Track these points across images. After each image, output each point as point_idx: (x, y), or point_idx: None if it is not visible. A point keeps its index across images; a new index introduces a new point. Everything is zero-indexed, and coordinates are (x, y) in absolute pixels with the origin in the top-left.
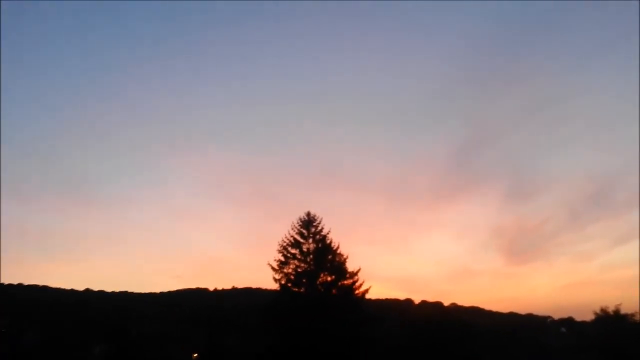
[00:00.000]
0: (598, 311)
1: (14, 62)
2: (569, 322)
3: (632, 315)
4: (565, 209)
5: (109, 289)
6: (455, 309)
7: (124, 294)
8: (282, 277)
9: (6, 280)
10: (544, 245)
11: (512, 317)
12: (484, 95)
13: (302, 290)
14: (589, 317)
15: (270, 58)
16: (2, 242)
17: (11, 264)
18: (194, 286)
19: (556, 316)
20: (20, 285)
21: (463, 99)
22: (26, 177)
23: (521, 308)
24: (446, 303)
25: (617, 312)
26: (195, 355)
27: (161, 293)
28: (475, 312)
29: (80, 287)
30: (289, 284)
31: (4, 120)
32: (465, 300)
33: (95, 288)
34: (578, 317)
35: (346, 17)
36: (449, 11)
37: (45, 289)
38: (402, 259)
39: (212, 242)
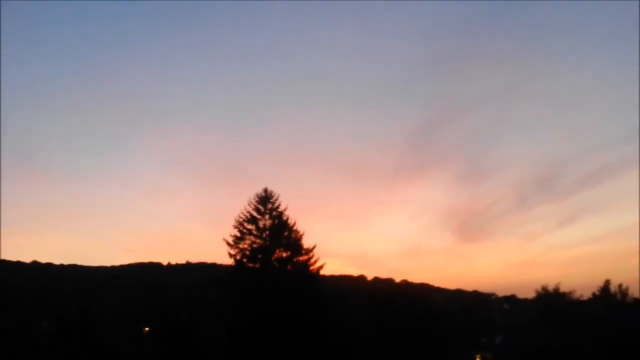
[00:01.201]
0: (539, 289)
1: None
2: (512, 299)
3: (570, 292)
4: (513, 191)
5: (57, 262)
6: (405, 285)
7: (73, 267)
8: (237, 253)
9: None
10: (492, 225)
11: (459, 293)
12: (445, 78)
13: (257, 265)
14: (530, 294)
15: (237, 38)
16: None
17: None
18: (145, 260)
19: (500, 294)
20: None
21: (424, 81)
22: None
23: (468, 285)
24: (397, 279)
25: (556, 290)
26: (147, 329)
27: (112, 267)
28: (424, 289)
29: (27, 259)
30: (244, 260)
31: None
32: (415, 277)
33: (43, 260)
34: (521, 295)
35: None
36: None
37: None
38: (358, 236)
39: (167, 218)
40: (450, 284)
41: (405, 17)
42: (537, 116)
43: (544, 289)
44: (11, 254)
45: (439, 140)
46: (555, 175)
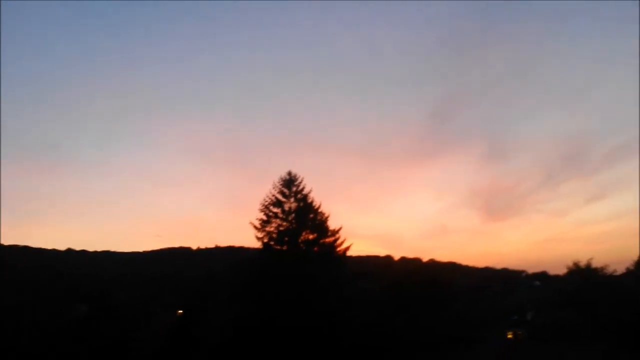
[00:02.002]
0: (571, 265)
1: None
2: (543, 276)
3: (602, 268)
4: (539, 168)
5: (90, 249)
6: (433, 264)
7: (106, 254)
8: (264, 236)
9: None
10: (519, 203)
11: (488, 271)
12: (461, 58)
13: (284, 248)
14: (562, 271)
15: (247, 24)
16: None
17: None
18: (176, 245)
19: (530, 271)
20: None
21: (440, 62)
22: (4, 140)
23: (497, 263)
24: (425, 259)
25: (588, 266)
26: (180, 312)
27: (144, 252)
28: (452, 268)
29: (62, 247)
30: (272, 242)
31: None
32: (443, 257)
33: (77, 248)
34: (552, 272)
35: None
36: None
37: (25, 249)
38: (382, 217)
39: (194, 204)
40: (479, 263)
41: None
42: (561, 93)
43: (576, 264)
44: (46, 242)
45: (459, 120)
46: (582, 152)
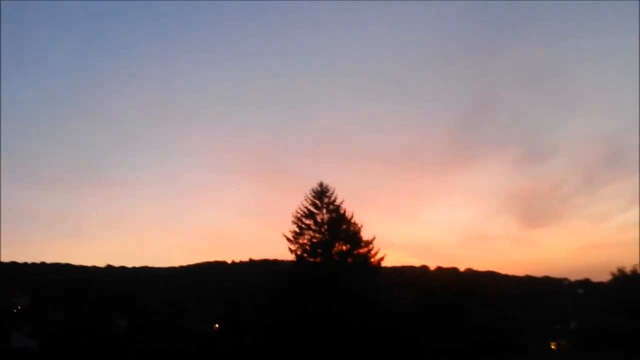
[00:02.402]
0: (615, 272)
1: (20, 43)
2: (585, 283)
3: None
4: (578, 171)
5: (129, 265)
6: (471, 273)
7: (144, 269)
8: (297, 248)
9: (30, 259)
10: (558, 208)
11: (529, 280)
12: (491, 60)
13: (318, 260)
14: (606, 277)
15: (277, 33)
16: (23, 224)
17: (33, 244)
18: (210, 260)
19: (573, 278)
20: (43, 264)
21: (469, 65)
22: (42, 160)
23: (537, 271)
24: (462, 268)
25: (634, 272)
26: (217, 326)
27: (180, 267)
28: (491, 276)
29: (102, 264)
30: (305, 254)
31: (19, 107)
32: (480, 265)
33: (116, 264)
34: (595, 279)
35: None
36: None
37: (68, 266)
38: (415, 226)
39: (226, 217)
40: (519, 271)
41: (450, 2)
42: (598, 92)
43: (621, 271)
44: (86, 259)
45: (491, 123)
46: (623, 152)
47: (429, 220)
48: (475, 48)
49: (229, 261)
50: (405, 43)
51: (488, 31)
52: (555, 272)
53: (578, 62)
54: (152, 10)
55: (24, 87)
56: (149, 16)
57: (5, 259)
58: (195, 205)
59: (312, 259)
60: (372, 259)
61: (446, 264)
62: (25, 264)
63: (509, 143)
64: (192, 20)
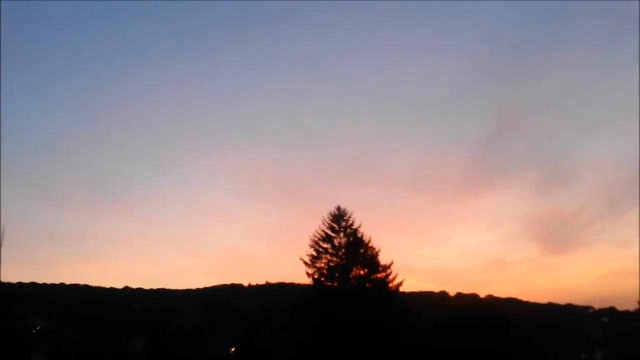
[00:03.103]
0: None
1: (40, 67)
2: (611, 311)
3: None
4: (601, 195)
5: (146, 287)
6: (491, 300)
7: (162, 291)
8: (314, 272)
9: (49, 280)
10: (581, 233)
11: (551, 307)
12: (510, 83)
13: (335, 284)
14: (632, 306)
15: (295, 55)
16: (43, 245)
17: (51, 265)
18: (228, 282)
19: (597, 306)
20: (61, 285)
21: (490, 88)
22: (60, 180)
23: (560, 298)
24: (482, 295)
25: None
26: (233, 349)
27: (197, 289)
28: (512, 303)
29: (119, 285)
30: (322, 278)
31: (39, 128)
32: (501, 292)
33: (134, 286)
34: (620, 307)
35: (368, 11)
36: (472, 1)
37: (86, 287)
38: (434, 251)
39: (242, 239)
40: (540, 298)
41: (465, 21)
42: (617, 114)
43: None
44: (104, 281)
45: (509, 147)
46: None
47: (448, 245)
48: (496, 71)
49: (246, 284)
50: (425, 66)
51: (509, 54)
52: (578, 300)
53: (601, 85)
54: (174, 32)
55: (43, 106)
56: (171, 37)
57: (25, 279)
58: (213, 227)
59: (329, 283)
60: (390, 284)
61: (466, 289)
62: (45, 284)
63: (530, 167)
64: (213, 42)
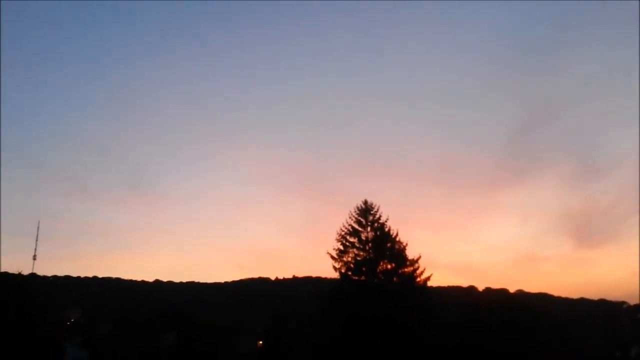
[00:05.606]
0: None
1: (76, 62)
2: None
3: None
4: (635, 187)
5: (177, 280)
6: (521, 295)
7: (192, 284)
8: (342, 266)
9: (82, 273)
10: (615, 227)
11: (583, 303)
12: (541, 72)
13: (362, 278)
14: None
15: (318, 50)
16: (75, 238)
17: (84, 259)
18: (255, 276)
19: (632, 302)
20: (94, 278)
21: (519, 77)
22: (92, 175)
23: (592, 294)
24: (512, 290)
25: None
26: (260, 342)
27: (225, 283)
28: (543, 299)
29: (150, 279)
30: (349, 273)
31: (70, 122)
32: (532, 287)
33: (164, 279)
34: None
35: (396, 6)
36: None
37: (118, 280)
38: (463, 245)
39: (271, 233)
40: (572, 293)
41: (495, 12)
42: None
43: None
44: (136, 273)
45: (541, 139)
46: None
47: (477, 240)
48: (526, 61)
49: (273, 278)
50: (452, 58)
51: (539, 42)
52: (612, 295)
53: (633, 76)
54: (197, 31)
55: (77, 103)
56: (196, 37)
57: (60, 272)
58: (240, 221)
59: (356, 277)
60: (418, 279)
61: (495, 284)
62: (78, 277)
63: (562, 159)
64: (240, 38)
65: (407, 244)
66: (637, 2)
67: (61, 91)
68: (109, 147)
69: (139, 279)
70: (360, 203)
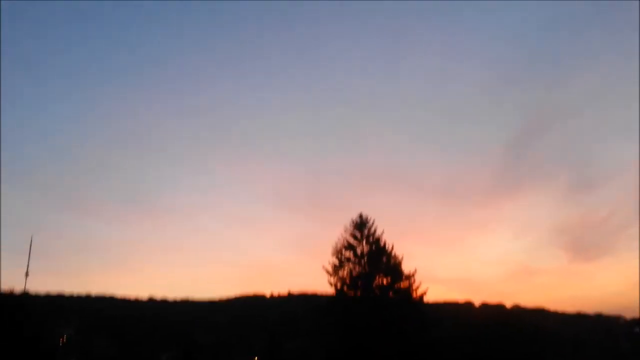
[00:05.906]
0: None
1: (69, 75)
2: None
3: None
4: (632, 200)
5: (170, 297)
6: (518, 310)
7: (186, 302)
8: (337, 281)
9: (75, 290)
10: (611, 239)
11: (580, 317)
12: (535, 89)
13: (358, 293)
14: None
15: (322, 65)
16: (68, 254)
17: (78, 275)
18: (250, 292)
19: (628, 316)
20: (87, 296)
21: (515, 89)
22: (87, 189)
23: (589, 308)
24: (508, 304)
25: None
26: (256, 359)
27: (220, 300)
28: (540, 314)
29: (144, 295)
30: (345, 288)
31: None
32: (528, 301)
33: (158, 296)
34: None
35: (392, 20)
36: (501, 3)
37: (111, 298)
38: (459, 259)
39: (266, 248)
40: (569, 307)
41: (493, 23)
42: None
43: None
44: (129, 291)
45: (537, 152)
46: None
47: (473, 253)
48: (521, 76)
49: (268, 294)
50: (449, 72)
51: (535, 55)
52: (609, 309)
53: (630, 88)
54: (198, 43)
55: (71, 116)
56: (197, 50)
57: (53, 289)
58: (236, 238)
59: (352, 292)
60: (414, 293)
61: (492, 299)
62: (71, 295)
63: (558, 172)
64: (243, 53)
65: (402, 258)
66: (636, 14)
67: (56, 103)
68: (105, 162)
69: (135, 295)
70: (355, 217)
